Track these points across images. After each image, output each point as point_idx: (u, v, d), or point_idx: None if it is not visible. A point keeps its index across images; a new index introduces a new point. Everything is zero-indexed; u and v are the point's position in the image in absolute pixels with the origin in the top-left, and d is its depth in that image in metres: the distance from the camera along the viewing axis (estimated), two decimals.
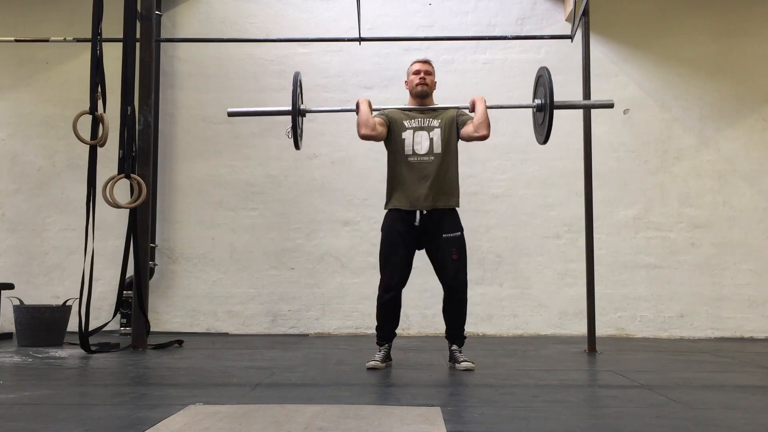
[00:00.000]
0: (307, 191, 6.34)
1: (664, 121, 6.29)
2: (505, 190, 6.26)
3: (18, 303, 5.27)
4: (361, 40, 5.77)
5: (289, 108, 4.01)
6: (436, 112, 4.05)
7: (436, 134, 3.96)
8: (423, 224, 3.92)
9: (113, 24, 5.08)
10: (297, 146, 4.12)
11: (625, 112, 6.30)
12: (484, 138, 3.94)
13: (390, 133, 4.00)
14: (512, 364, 4.29)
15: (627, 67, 6.34)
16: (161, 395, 3.11)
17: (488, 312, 6.14)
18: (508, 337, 6.06)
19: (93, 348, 4.67)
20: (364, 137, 3.96)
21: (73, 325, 5.09)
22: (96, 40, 4.76)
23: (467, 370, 3.87)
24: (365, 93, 6.38)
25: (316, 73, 6.44)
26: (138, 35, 5.06)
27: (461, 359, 3.97)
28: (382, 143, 4.10)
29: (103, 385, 3.53)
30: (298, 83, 4.02)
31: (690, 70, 6.32)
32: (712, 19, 6.34)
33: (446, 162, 3.96)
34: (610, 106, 4.28)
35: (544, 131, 4.01)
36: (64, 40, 5.88)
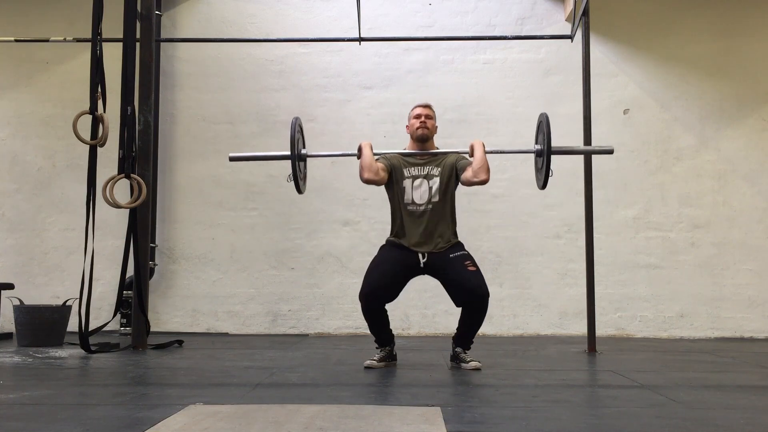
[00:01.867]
0: (307, 191, 6.27)
1: (664, 121, 6.30)
2: (505, 190, 6.26)
3: (18, 303, 5.27)
4: (361, 40, 5.77)
5: (289, 153, 3.93)
6: (435, 158, 4.04)
7: (435, 183, 3.96)
8: (427, 262, 3.92)
9: (113, 24, 5.09)
10: (299, 190, 4.09)
11: (625, 112, 6.30)
12: (483, 183, 3.90)
13: (390, 180, 4.01)
14: (512, 364, 4.29)
15: (627, 67, 6.34)
16: (161, 395, 3.11)
17: (488, 312, 6.03)
18: (508, 337, 6.05)
19: (93, 348, 4.67)
20: (367, 181, 3.95)
21: (73, 325, 5.09)
22: (96, 40, 4.76)
23: (475, 369, 3.88)
24: (365, 93, 6.40)
25: (316, 73, 6.44)
26: (138, 35, 5.06)
27: (468, 359, 3.97)
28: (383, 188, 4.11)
29: (103, 385, 3.53)
30: (297, 128, 3.95)
31: (690, 70, 6.32)
32: (712, 19, 6.34)
33: (443, 210, 3.97)
34: (610, 152, 4.30)
35: (542, 177, 3.97)
36: (64, 40, 5.88)
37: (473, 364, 3.93)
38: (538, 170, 4.16)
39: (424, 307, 6.08)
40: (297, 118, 4.02)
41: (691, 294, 6.13)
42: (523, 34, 6.26)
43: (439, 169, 3.99)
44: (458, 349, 4.04)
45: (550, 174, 3.95)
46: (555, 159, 6.17)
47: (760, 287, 6.11)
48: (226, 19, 6.52)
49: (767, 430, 2.49)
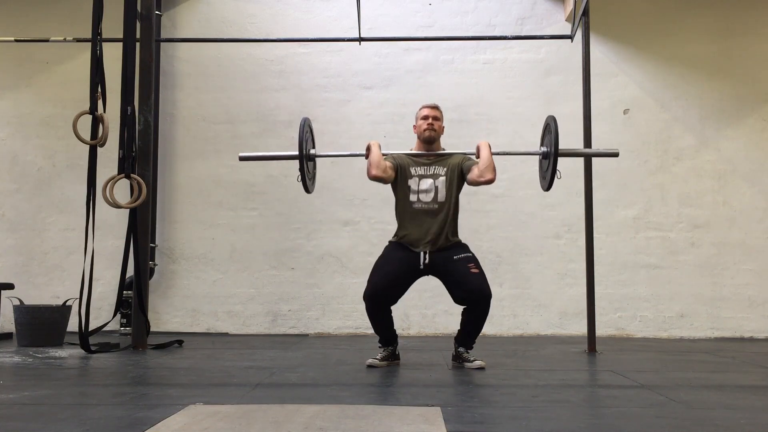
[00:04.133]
0: None
1: (664, 121, 6.29)
2: (505, 190, 6.25)
3: (18, 303, 5.27)
4: (361, 40, 5.78)
5: (298, 153, 3.95)
6: (442, 158, 4.07)
7: (441, 183, 4.00)
8: (429, 263, 3.93)
9: (113, 24, 5.09)
10: (307, 190, 4.12)
11: (625, 112, 6.30)
12: (489, 182, 3.92)
13: (397, 178, 4.04)
14: (512, 364, 4.29)
15: (627, 67, 6.34)
16: (161, 395, 3.11)
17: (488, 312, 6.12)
18: (508, 337, 6.05)
19: (93, 348, 4.67)
20: (374, 178, 3.97)
21: (73, 325, 5.09)
22: (96, 40, 4.76)
23: (480, 368, 3.89)
24: (365, 93, 6.40)
25: (316, 73, 6.44)
26: (138, 35, 5.06)
27: (472, 358, 3.99)
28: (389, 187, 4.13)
29: (103, 385, 3.53)
30: (306, 128, 3.96)
31: (690, 70, 6.32)
32: (712, 19, 6.34)
33: (448, 209, 4.00)
34: (615, 155, 4.31)
35: (548, 179, 3.97)
36: (64, 40, 5.89)
37: (477, 363, 3.94)
38: (543, 172, 4.14)
39: (424, 307, 6.08)
40: (306, 119, 4.04)
41: (691, 294, 6.13)
42: (523, 34, 6.27)
43: (445, 168, 4.03)
44: (461, 349, 4.05)
45: (558, 176, 3.91)
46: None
47: (760, 287, 6.11)
48: (226, 19, 6.52)
49: (767, 430, 2.49)
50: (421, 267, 3.94)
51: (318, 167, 6.30)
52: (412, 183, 4.01)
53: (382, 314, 3.97)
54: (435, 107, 4.12)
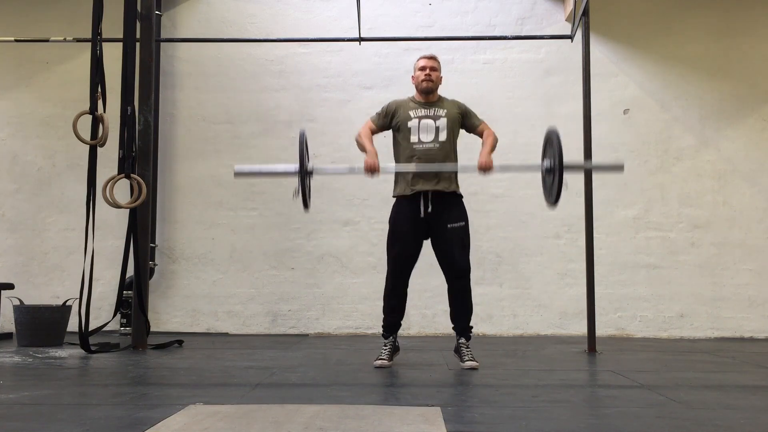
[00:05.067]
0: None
1: (664, 121, 6.29)
2: (505, 190, 6.25)
3: (18, 303, 5.27)
4: (361, 40, 5.77)
5: (297, 168, 3.85)
6: (441, 101, 4.18)
7: (442, 123, 4.07)
8: (428, 213, 3.99)
9: (113, 24, 5.09)
10: (306, 206, 4.07)
11: (625, 112, 6.30)
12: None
13: (393, 122, 4.12)
14: (512, 364, 4.29)
15: (627, 67, 6.34)
16: (161, 395, 3.11)
17: (488, 312, 6.14)
18: (508, 337, 6.06)
19: (93, 348, 4.67)
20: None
21: (73, 325, 5.09)
22: (96, 40, 4.77)
23: (472, 369, 3.89)
24: (365, 93, 6.39)
25: (316, 73, 6.44)
26: (138, 35, 5.06)
27: (466, 357, 3.98)
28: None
29: (103, 385, 3.53)
30: (305, 142, 3.91)
31: (690, 70, 6.32)
32: (712, 19, 6.34)
33: (449, 148, 4.07)
34: (620, 168, 4.27)
35: (554, 194, 3.87)
36: (64, 40, 5.88)
37: (469, 363, 3.94)
38: (548, 187, 4.02)
39: (424, 307, 6.08)
40: (303, 132, 3.97)
41: (691, 294, 6.13)
42: (523, 34, 6.27)
43: (445, 110, 4.11)
44: (461, 341, 4.07)
45: (565, 188, 3.83)
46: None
47: (760, 287, 6.11)
48: (226, 19, 6.52)
49: (767, 430, 2.49)
50: (422, 216, 3.97)
51: (318, 167, 6.35)
52: (413, 124, 4.05)
53: (402, 292, 4.06)
54: (432, 57, 4.22)
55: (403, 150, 4.07)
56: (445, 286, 4.13)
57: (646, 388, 3.32)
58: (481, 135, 4.16)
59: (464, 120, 4.16)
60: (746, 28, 6.34)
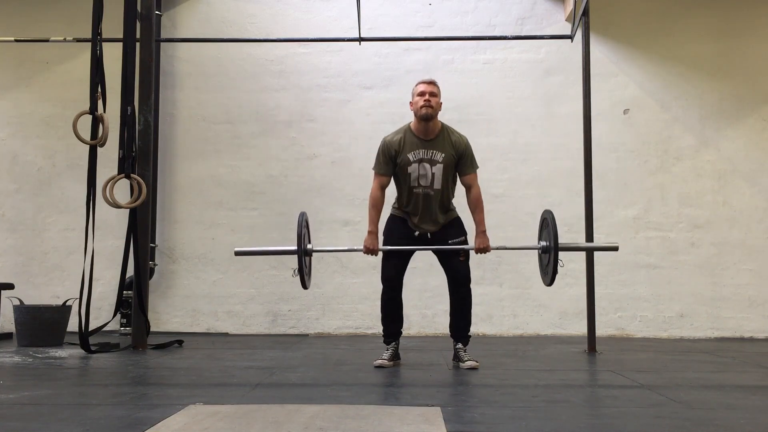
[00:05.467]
0: (307, 191, 6.34)
1: (664, 121, 6.29)
2: (505, 190, 6.25)
3: (18, 303, 5.27)
4: (361, 40, 5.77)
5: (296, 248, 3.96)
6: (440, 138, 4.05)
7: (438, 170, 4.02)
8: (427, 236, 4.08)
9: (113, 24, 5.08)
10: (304, 286, 4.07)
11: (625, 112, 6.30)
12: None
13: (400, 160, 4.05)
14: (512, 364, 4.29)
15: (627, 67, 6.34)
16: (161, 395, 3.11)
17: (488, 312, 6.14)
18: (508, 337, 6.05)
19: (93, 348, 4.68)
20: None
21: (73, 325, 5.09)
22: (96, 40, 4.77)
23: (472, 368, 3.90)
24: (365, 93, 6.39)
25: (316, 73, 6.44)
26: (138, 35, 5.06)
27: (465, 358, 4.00)
28: None
29: (103, 385, 3.53)
30: (304, 224, 3.97)
31: (690, 70, 6.31)
32: (712, 19, 6.34)
33: (444, 192, 4.07)
34: (615, 249, 4.31)
35: (549, 273, 3.95)
36: (64, 40, 5.88)
37: (469, 363, 3.95)
38: (544, 267, 4.09)
39: (424, 307, 6.07)
40: (303, 213, 4.02)
41: (691, 294, 6.13)
42: (523, 34, 6.26)
43: (443, 155, 4.01)
44: (459, 346, 4.08)
45: (561, 265, 3.91)
46: (555, 160, 6.23)
47: (760, 287, 6.11)
48: (226, 19, 6.52)
49: (767, 430, 2.49)
50: (416, 234, 4.06)
51: (318, 167, 6.36)
52: (412, 169, 4.03)
53: (396, 300, 4.08)
54: (432, 83, 4.06)
55: (403, 190, 4.11)
56: (446, 286, 4.16)
57: (646, 388, 3.32)
58: (464, 184, 4.08)
59: (458, 163, 4.06)
60: (746, 28, 6.34)
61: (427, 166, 4.00)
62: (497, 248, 4.15)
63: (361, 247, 4.07)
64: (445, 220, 4.09)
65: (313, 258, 6.30)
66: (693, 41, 6.33)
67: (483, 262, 6.12)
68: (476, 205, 4.05)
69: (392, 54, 6.41)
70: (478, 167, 4.14)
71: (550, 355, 4.81)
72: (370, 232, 4.05)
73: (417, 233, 4.05)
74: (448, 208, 4.12)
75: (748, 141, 6.25)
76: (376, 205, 4.06)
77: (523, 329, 6.16)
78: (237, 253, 4.31)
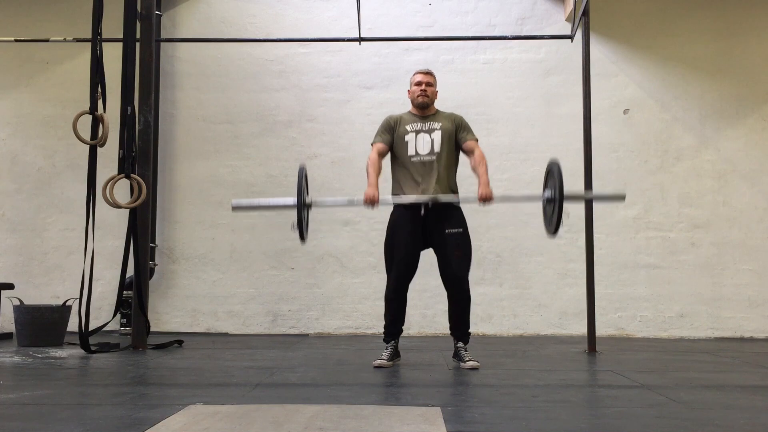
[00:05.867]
0: (307, 191, 6.31)
1: (664, 121, 6.29)
2: (505, 190, 6.25)
3: (18, 303, 5.27)
4: (361, 40, 5.77)
5: (295, 201, 3.87)
6: (436, 115, 4.20)
7: (437, 136, 4.09)
8: (427, 217, 4.01)
9: (113, 24, 5.09)
10: (302, 239, 4.04)
11: (625, 112, 6.30)
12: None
13: (394, 136, 4.13)
14: (512, 364, 4.29)
15: (627, 67, 6.34)
16: (161, 395, 3.11)
17: (488, 312, 6.14)
18: (508, 337, 6.05)
19: (93, 348, 4.67)
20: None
21: (73, 325, 5.09)
22: (96, 40, 4.77)
23: (473, 368, 3.90)
24: (365, 93, 6.39)
25: (316, 73, 6.44)
26: (138, 35, 5.06)
27: (466, 358, 4.00)
28: None
29: (103, 385, 3.53)
30: (304, 176, 3.93)
31: (690, 70, 6.32)
32: (712, 19, 6.34)
33: (445, 160, 4.08)
34: (622, 198, 4.24)
35: (554, 223, 3.86)
36: (64, 40, 5.88)
37: (470, 363, 3.95)
38: (548, 217, 4.01)
39: (424, 307, 6.07)
40: (303, 167, 3.99)
41: (691, 294, 6.13)
42: (523, 34, 6.27)
43: (440, 124, 4.12)
44: (459, 345, 4.09)
45: (566, 216, 3.86)
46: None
47: (760, 287, 6.11)
48: (226, 19, 6.52)
49: (767, 430, 2.49)
50: (422, 214, 3.98)
51: (318, 167, 6.36)
52: (409, 138, 4.08)
53: (402, 300, 4.08)
54: (428, 73, 4.23)
55: (401, 163, 4.10)
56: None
57: (646, 388, 3.32)
58: (467, 151, 4.11)
59: (456, 132, 4.12)
60: (746, 28, 6.34)
61: (426, 136, 4.08)
62: (500, 199, 4.01)
63: (362, 199, 3.97)
64: (448, 192, 4.02)
65: (313, 258, 6.35)
66: (693, 41, 6.34)
67: (483, 262, 6.13)
68: (479, 162, 4.03)
69: (392, 54, 6.41)
70: (477, 139, 4.15)
71: (550, 355, 4.81)
72: (369, 183, 3.99)
73: (422, 212, 3.99)
74: (451, 181, 4.09)
75: (748, 141, 6.25)
76: (374, 166, 4.03)
77: (523, 329, 6.16)
78: (234, 207, 4.27)
